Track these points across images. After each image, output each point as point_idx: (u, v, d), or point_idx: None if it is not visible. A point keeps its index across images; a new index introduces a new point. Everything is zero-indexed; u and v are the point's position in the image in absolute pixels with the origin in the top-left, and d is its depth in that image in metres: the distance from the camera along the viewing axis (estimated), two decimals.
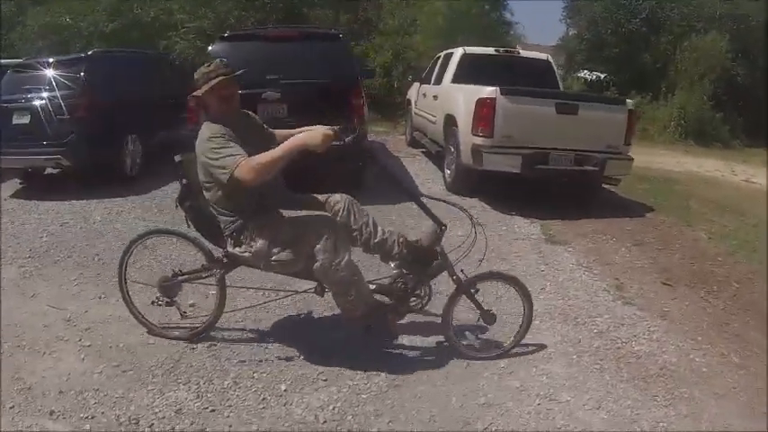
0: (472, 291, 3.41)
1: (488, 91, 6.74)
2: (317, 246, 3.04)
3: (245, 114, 3.44)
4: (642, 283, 5.53)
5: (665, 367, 3.95)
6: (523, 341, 3.84)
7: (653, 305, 5.04)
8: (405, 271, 3.31)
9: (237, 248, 3.19)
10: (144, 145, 8.80)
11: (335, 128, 3.01)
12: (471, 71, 8.57)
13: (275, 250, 3.11)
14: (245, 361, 3.59)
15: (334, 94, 6.87)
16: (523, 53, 9.74)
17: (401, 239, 3.27)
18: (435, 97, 9.59)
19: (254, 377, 3.43)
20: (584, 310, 4.77)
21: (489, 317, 3.53)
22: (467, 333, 3.79)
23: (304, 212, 3.48)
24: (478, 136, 6.82)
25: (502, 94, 6.64)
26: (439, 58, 10.91)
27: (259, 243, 3.13)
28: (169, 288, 3.47)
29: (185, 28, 16.73)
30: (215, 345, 3.72)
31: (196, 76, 3.15)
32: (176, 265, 4.21)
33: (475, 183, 7.45)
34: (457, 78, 8.75)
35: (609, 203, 8.47)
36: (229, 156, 2.92)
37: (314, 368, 3.54)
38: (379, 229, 3.33)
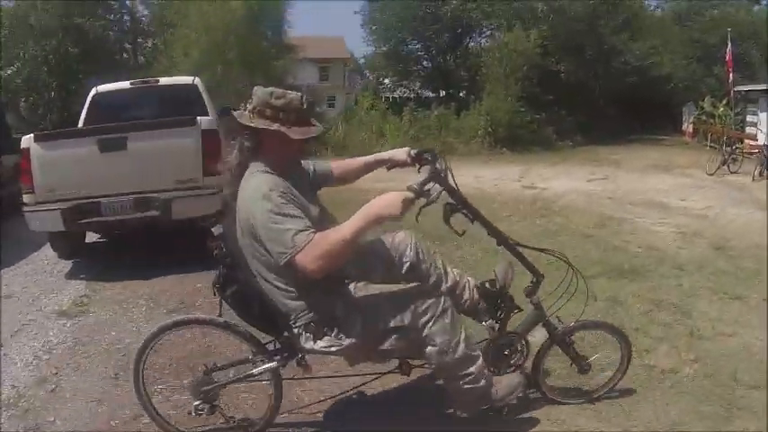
0: (567, 341, 3.08)
1: (24, 140, 5.87)
2: (431, 326, 2.58)
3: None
4: None
5: None
6: None
7: None
8: (498, 327, 2.96)
9: (320, 342, 2.59)
10: None
11: (415, 186, 2.47)
12: (107, 112, 7.35)
13: (376, 340, 2.60)
14: None
15: None
16: (164, 80, 8.45)
17: (471, 284, 3.00)
18: None
19: None
20: None
21: (583, 366, 3.13)
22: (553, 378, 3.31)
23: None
24: (25, 193, 5.96)
25: (36, 141, 5.78)
26: None
27: (354, 336, 2.56)
28: (209, 391, 2.82)
29: None
30: None
31: (257, 101, 2.51)
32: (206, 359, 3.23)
33: (70, 244, 6.53)
34: (88, 123, 7.47)
35: None
36: (292, 230, 2.36)
37: None
38: (449, 271, 2.99)
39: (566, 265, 2.99)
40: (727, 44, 20.50)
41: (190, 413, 2.86)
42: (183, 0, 18.20)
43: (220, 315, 2.85)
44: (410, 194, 2.43)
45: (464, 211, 2.75)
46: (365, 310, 2.61)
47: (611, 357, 3.28)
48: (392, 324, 2.58)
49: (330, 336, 2.60)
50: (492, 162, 14.58)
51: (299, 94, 2.60)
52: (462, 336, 2.66)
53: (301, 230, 2.36)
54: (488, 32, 19.82)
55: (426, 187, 2.56)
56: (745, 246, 6.70)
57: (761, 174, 12.53)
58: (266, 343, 2.85)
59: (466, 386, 2.72)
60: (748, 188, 11.37)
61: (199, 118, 5.97)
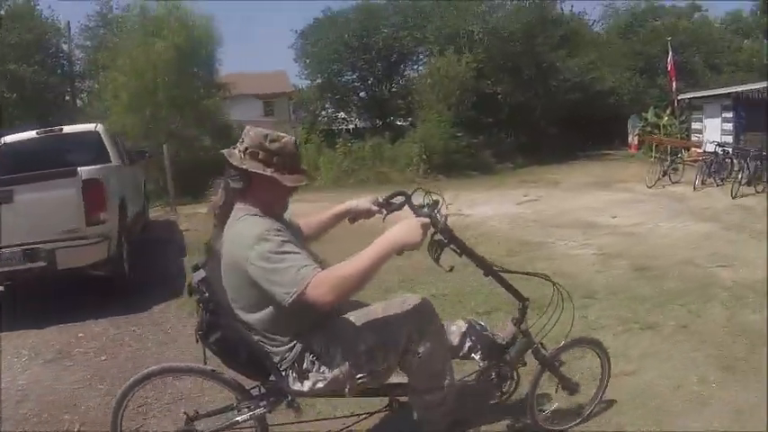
0: (556, 364, 3.07)
1: None
2: (415, 336, 2.50)
3: None
4: None
5: None
6: None
7: None
8: (491, 362, 2.89)
9: (306, 382, 2.46)
10: None
11: (425, 210, 2.49)
12: (15, 162, 7.25)
13: (360, 363, 2.44)
14: None
15: None
16: (68, 128, 8.41)
17: (467, 326, 2.92)
18: None
19: None
20: None
21: (573, 386, 3.10)
22: (543, 403, 3.20)
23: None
24: None
25: None
26: None
27: (336, 364, 2.43)
28: None
29: None
30: None
31: (250, 142, 2.40)
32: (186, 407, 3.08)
33: None
34: None
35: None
36: (295, 267, 2.21)
37: None
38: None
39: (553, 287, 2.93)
40: (668, 53, 20.35)
41: None
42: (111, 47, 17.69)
43: (206, 363, 2.73)
44: (426, 219, 2.36)
45: (452, 245, 2.63)
46: (344, 335, 2.49)
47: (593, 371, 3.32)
48: (374, 343, 2.46)
49: (312, 371, 2.47)
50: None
51: (293, 138, 2.50)
52: (446, 344, 2.68)
53: (305, 265, 2.22)
54: (423, 59, 19.23)
55: (437, 214, 2.51)
56: (671, 263, 6.06)
57: (702, 182, 11.97)
58: (251, 388, 2.74)
59: (438, 400, 2.62)
60: (688, 198, 10.76)
61: (80, 168, 6.02)
